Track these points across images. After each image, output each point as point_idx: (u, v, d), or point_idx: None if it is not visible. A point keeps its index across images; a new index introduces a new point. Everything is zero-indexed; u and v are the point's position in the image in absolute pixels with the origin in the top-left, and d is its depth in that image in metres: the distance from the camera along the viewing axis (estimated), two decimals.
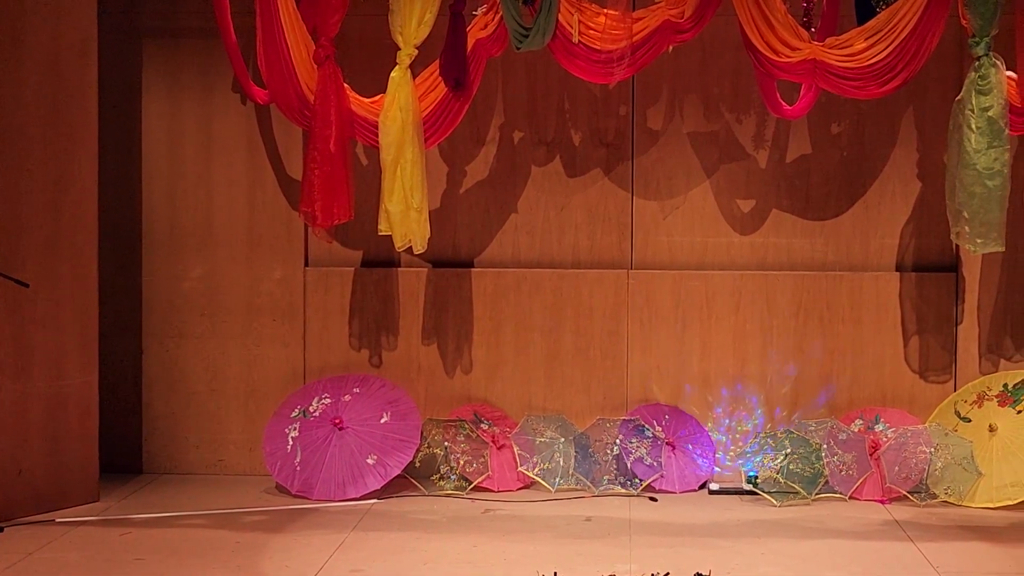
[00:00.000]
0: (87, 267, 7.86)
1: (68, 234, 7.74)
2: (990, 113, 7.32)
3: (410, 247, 7.89)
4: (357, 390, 8.38)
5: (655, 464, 8.21)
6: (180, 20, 8.59)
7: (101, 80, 7.98)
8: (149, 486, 8.39)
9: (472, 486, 8.14)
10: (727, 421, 8.50)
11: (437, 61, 7.79)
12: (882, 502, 7.98)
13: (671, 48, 7.76)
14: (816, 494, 8.01)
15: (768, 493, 8.03)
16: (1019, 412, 8.10)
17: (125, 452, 8.63)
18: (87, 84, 7.81)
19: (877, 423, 8.26)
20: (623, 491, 8.14)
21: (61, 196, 7.70)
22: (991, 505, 7.87)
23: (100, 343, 8.02)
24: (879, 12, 7.46)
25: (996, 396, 8.20)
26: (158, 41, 8.65)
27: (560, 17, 7.54)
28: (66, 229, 7.73)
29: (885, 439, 8.15)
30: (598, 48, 7.57)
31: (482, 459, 8.21)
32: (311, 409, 8.30)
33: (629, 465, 8.19)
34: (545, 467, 8.22)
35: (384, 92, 7.79)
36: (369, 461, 8.08)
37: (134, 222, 8.67)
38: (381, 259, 8.68)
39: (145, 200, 8.68)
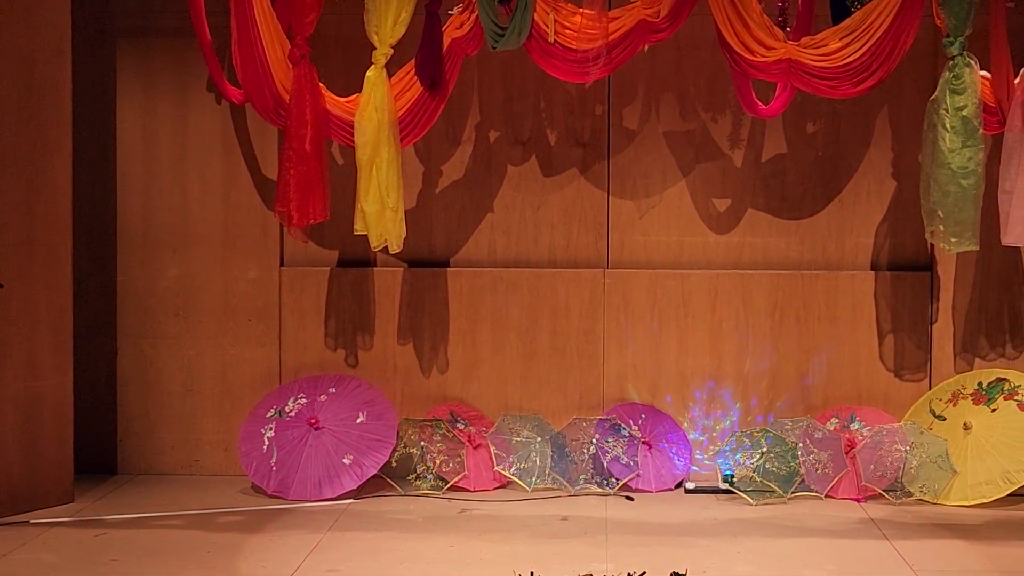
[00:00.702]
0: (61, 267, 7.82)
1: (42, 234, 7.70)
2: (964, 112, 7.35)
3: (386, 247, 7.88)
4: (333, 390, 8.36)
5: (631, 463, 8.22)
6: (154, 20, 8.55)
7: (75, 79, 7.94)
8: (124, 487, 8.35)
9: (448, 486, 8.13)
10: (703, 420, 8.51)
11: (413, 61, 7.78)
12: (858, 500, 8.00)
13: (647, 47, 7.77)
14: (792, 492, 8.02)
15: (744, 492, 8.04)
16: (993, 411, 8.12)
17: (100, 453, 8.59)
18: (61, 83, 7.77)
19: (852, 422, 8.28)
20: (599, 490, 8.15)
21: (35, 196, 7.66)
22: (966, 503, 7.89)
23: (75, 343, 7.98)
24: (854, 12, 7.49)
25: (971, 394, 8.23)
26: (132, 40, 8.61)
27: (536, 16, 7.54)
28: (40, 229, 7.69)
29: (861, 437, 8.17)
30: (574, 47, 7.57)
31: (458, 459, 8.20)
32: (287, 409, 8.28)
33: (605, 464, 8.19)
34: (521, 466, 8.22)
35: (360, 92, 7.79)
36: (345, 461, 8.06)
37: (109, 222, 8.63)
38: (357, 259, 8.66)
39: (120, 200, 8.63)
